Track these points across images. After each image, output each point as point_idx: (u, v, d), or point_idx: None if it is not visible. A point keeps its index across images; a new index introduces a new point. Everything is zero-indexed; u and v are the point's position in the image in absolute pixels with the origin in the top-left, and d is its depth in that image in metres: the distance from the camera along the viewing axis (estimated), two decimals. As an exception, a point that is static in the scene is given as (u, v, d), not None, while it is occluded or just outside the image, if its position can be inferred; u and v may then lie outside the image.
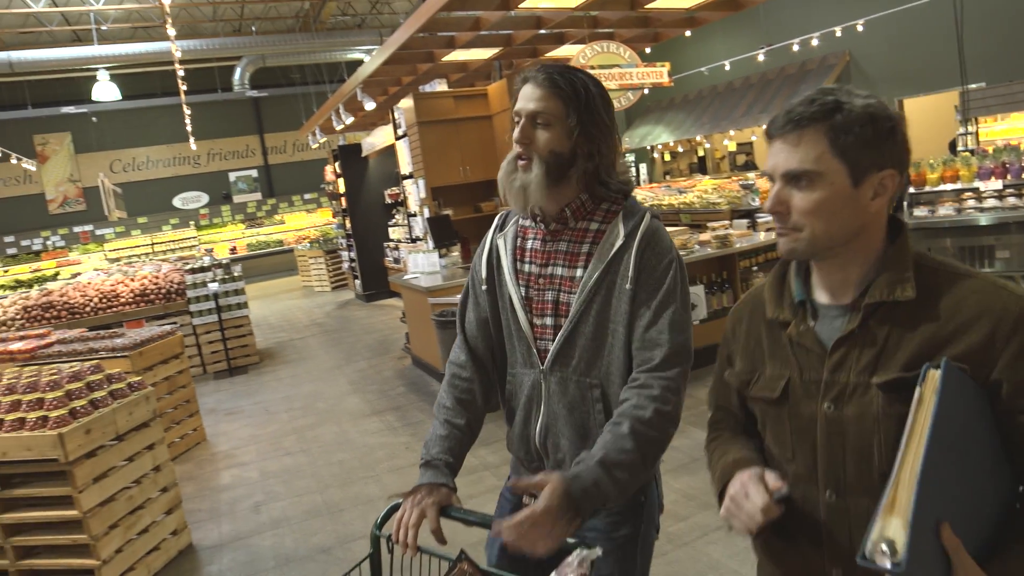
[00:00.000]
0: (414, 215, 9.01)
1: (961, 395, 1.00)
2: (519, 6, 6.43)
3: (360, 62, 16.76)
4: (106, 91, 16.40)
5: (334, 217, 15.75)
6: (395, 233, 11.21)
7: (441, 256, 7.51)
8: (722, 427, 1.44)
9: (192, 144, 18.30)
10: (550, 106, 1.55)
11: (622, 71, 6.93)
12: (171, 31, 9.82)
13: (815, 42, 10.97)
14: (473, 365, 1.77)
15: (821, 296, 1.24)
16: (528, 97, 1.57)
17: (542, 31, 7.73)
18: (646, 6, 7.02)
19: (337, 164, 12.84)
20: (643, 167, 17.28)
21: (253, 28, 17.63)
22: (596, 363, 1.59)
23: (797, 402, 1.22)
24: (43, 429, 3.38)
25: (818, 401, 1.19)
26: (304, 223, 20.73)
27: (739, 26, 13.54)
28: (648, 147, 16.72)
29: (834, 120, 1.09)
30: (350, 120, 11.29)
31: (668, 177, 17.53)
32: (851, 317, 1.16)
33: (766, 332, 1.31)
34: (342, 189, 12.79)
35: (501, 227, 1.80)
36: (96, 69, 16.11)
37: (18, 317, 7.83)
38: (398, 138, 8.98)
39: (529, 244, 1.70)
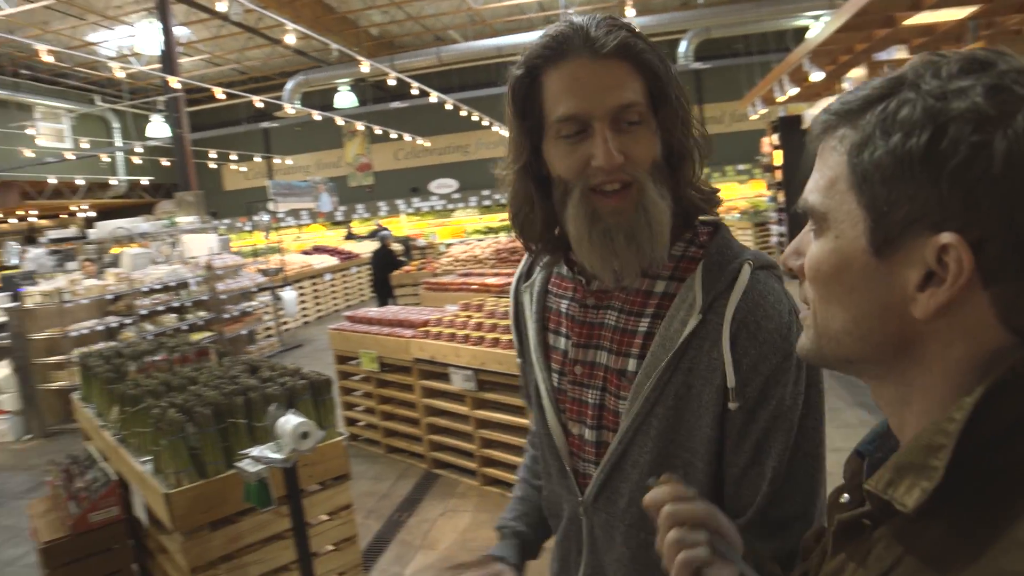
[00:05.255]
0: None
1: None
2: (1012, -43, 5.57)
3: (806, 28, 16.06)
4: (569, 67, 18.49)
5: (767, 189, 15.55)
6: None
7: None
8: None
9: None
10: (640, 89, 0.96)
11: None
12: (630, 11, 10.64)
13: None
14: None
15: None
16: (599, 83, 0.94)
17: (1041, -18, 6.56)
18: None
19: (775, 136, 12.68)
20: None
21: (700, 1, 18.02)
22: None
23: None
24: (512, 348, 4.22)
25: None
26: (734, 194, 20.79)
27: None
28: None
29: (863, 120, 0.59)
30: (794, 91, 10.97)
31: None
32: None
33: None
34: (778, 162, 12.63)
35: (527, 274, 1.25)
36: (562, 48, 18.25)
37: (492, 257, 9.61)
38: (844, 110, 8.52)
39: (564, 306, 1.13)
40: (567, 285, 1.14)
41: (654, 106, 0.97)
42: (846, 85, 8.31)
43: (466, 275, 7.32)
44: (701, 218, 1.08)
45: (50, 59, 8.39)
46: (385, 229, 14.55)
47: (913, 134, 0.54)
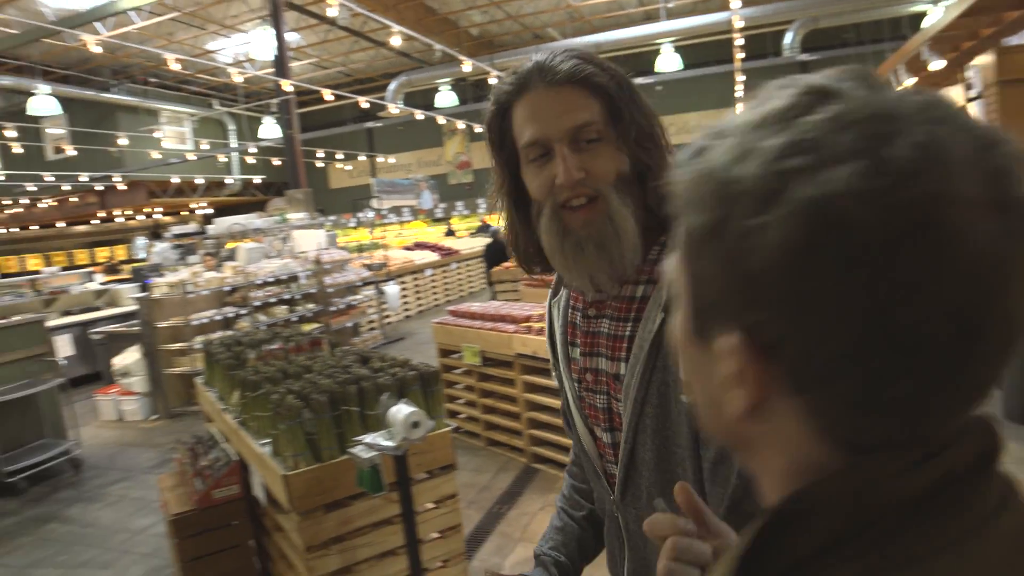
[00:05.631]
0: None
1: None
2: None
3: (923, 14, 15.17)
4: (669, 62, 18.13)
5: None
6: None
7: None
8: None
9: (739, 109, 19.08)
10: (596, 109, 1.02)
11: None
12: (735, 3, 10.36)
13: None
14: None
15: None
16: (554, 108, 1.02)
17: None
18: None
19: (887, 129, 12.08)
20: None
21: (811, -11, 17.33)
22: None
23: None
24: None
25: None
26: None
27: None
28: None
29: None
30: (911, 81, 10.41)
31: None
32: None
33: None
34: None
35: (556, 290, 1.28)
36: (661, 43, 17.94)
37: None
38: (969, 100, 8.01)
39: (577, 318, 1.19)
40: (578, 298, 1.20)
41: (615, 123, 1.03)
42: (970, 74, 7.81)
43: (565, 272, 7.34)
44: None
45: (177, 67, 8.94)
46: (492, 226, 14.90)
47: (706, 206, 0.45)
